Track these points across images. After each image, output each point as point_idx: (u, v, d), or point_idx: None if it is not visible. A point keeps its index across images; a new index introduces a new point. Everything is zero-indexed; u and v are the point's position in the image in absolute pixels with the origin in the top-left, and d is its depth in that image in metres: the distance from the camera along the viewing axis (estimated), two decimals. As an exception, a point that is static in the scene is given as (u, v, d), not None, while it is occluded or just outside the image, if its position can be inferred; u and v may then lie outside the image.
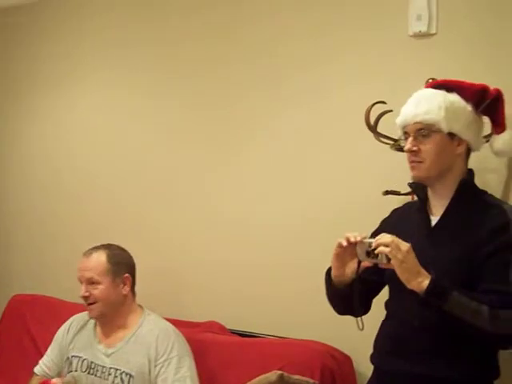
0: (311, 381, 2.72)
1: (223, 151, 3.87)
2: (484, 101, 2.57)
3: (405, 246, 2.33)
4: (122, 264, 3.25)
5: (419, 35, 3.20)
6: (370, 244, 2.39)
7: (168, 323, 3.24)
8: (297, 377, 2.68)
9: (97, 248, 3.28)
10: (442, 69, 3.05)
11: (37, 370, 3.42)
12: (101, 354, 3.19)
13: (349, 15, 3.44)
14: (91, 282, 3.18)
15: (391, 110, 2.89)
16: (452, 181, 2.56)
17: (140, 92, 4.23)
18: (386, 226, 2.77)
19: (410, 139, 2.53)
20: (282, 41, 3.65)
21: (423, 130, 2.50)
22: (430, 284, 2.30)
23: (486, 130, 2.74)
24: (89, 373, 3.19)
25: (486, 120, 2.70)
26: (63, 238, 4.58)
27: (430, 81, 2.88)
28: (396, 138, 2.88)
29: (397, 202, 3.01)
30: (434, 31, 3.18)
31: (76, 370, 3.25)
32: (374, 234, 2.77)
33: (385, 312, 2.70)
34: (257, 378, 2.63)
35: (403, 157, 2.60)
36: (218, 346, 3.44)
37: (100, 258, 3.22)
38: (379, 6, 3.34)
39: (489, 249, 2.40)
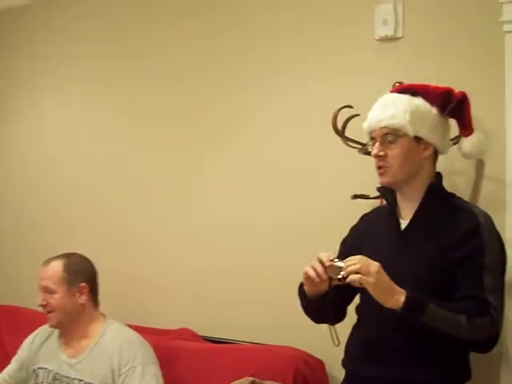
0: (283, 387, 2.71)
1: (198, 157, 3.87)
2: (449, 104, 2.58)
3: (374, 266, 2.32)
4: (78, 273, 3.22)
5: (385, 39, 3.22)
6: (340, 269, 2.36)
7: (132, 331, 3.22)
8: (269, 382, 2.68)
9: (57, 257, 3.27)
10: (408, 72, 3.06)
11: (0, 377, 3.39)
12: (65, 364, 3.16)
13: (315, 19, 3.45)
14: (47, 291, 3.17)
15: (358, 114, 2.91)
16: (420, 184, 2.57)
17: (118, 94, 4.21)
18: (355, 233, 2.80)
19: (377, 144, 2.54)
20: (254, 44, 3.67)
21: (389, 135, 2.51)
22: (406, 300, 2.31)
23: (454, 133, 2.77)
24: None
25: (453, 122, 2.72)
26: (39, 243, 4.51)
27: (397, 84, 2.90)
28: (364, 142, 2.90)
29: (366, 205, 3.03)
30: (400, 35, 3.20)
31: (42, 382, 3.21)
32: (344, 242, 2.79)
33: (355, 317, 2.72)
34: (229, 385, 2.62)
35: (372, 160, 2.60)
36: (189, 353, 3.43)
37: (57, 267, 3.20)
38: (345, 10, 3.36)
39: (461, 253, 2.41)
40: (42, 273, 3.24)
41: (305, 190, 3.47)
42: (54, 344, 3.28)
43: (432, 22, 3.13)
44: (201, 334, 3.70)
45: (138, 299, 4.02)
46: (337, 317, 2.71)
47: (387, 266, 2.36)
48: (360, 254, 2.38)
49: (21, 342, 3.46)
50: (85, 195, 4.33)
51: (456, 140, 2.81)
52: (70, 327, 3.20)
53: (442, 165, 2.88)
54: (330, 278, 2.42)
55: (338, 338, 2.51)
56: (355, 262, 2.32)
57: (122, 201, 4.14)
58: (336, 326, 2.63)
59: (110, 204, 4.20)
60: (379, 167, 2.56)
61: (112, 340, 3.12)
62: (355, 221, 2.85)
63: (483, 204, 2.94)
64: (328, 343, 2.76)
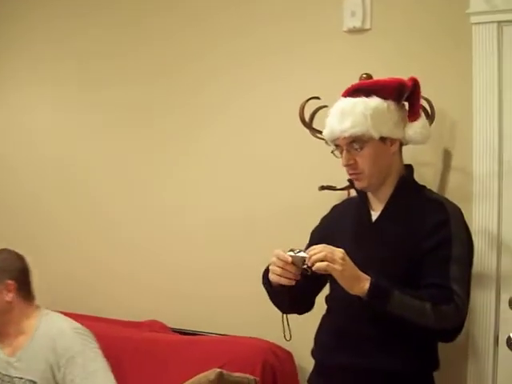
0: (252, 377, 2.70)
1: (168, 149, 3.85)
2: (404, 93, 2.58)
3: (339, 253, 2.32)
4: (5, 271, 3.10)
5: (353, 31, 3.23)
6: (303, 259, 2.35)
7: (67, 321, 3.11)
8: (237, 374, 2.66)
9: None
10: (375, 64, 3.08)
11: None
12: (4, 363, 3.06)
13: (282, 10, 3.45)
14: None
15: (326, 106, 2.90)
16: (392, 179, 2.59)
17: (95, 87, 4.12)
18: (326, 224, 2.80)
19: (345, 153, 2.54)
20: (224, 37, 3.65)
21: (355, 143, 2.51)
22: (370, 286, 2.31)
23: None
24: None
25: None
26: (18, 235, 4.33)
27: (364, 76, 2.90)
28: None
29: (335, 196, 3.03)
30: (368, 27, 3.21)
31: None
32: (314, 233, 2.79)
33: (325, 307, 2.72)
34: (196, 377, 2.60)
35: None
36: (158, 345, 3.41)
37: None
38: (314, 1, 3.36)
39: (430, 244, 2.42)
40: None
41: (274, 182, 3.47)
42: None
43: (400, 14, 3.14)
44: (170, 325, 3.70)
45: (107, 291, 3.99)
46: (305, 306, 2.74)
47: (355, 254, 2.36)
48: (330, 244, 2.38)
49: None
50: (63, 184, 4.25)
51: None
52: (2, 325, 3.09)
53: (409, 156, 2.90)
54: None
55: (290, 333, 2.51)
56: (319, 250, 2.32)
57: (98, 191, 4.09)
58: (306, 315, 2.69)
59: (86, 194, 4.14)
60: (351, 174, 2.57)
61: (46, 333, 3.02)
62: (324, 212, 2.86)
63: (450, 195, 2.96)
64: (297, 335, 2.78)
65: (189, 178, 3.76)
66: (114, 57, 4.01)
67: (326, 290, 2.71)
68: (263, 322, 3.34)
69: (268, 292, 2.63)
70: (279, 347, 3.29)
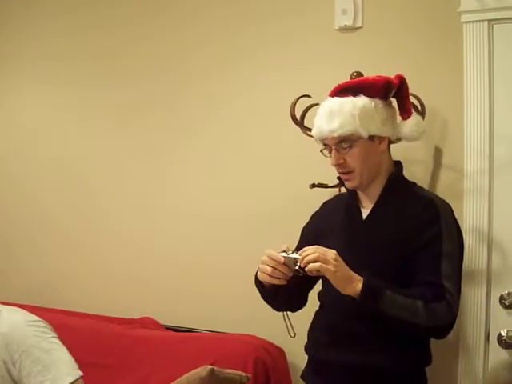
0: (243, 374, 2.69)
1: (165, 147, 3.85)
2: (390, 91, 2.58)
3: (331, 254, 2.33)
4: None
5: (345, 29, 3.24)
6: (295, 260, 2.36)
7: (18, 313, 2.91)
8: (228, 371, 2.66)
9: None
10: (367, 62, 3.09)
11: None
12: None
13: (273, 9, 3.46)
14: None
15: (317, 104, 2.90)
16: (381, 177, 2.60)
17: (93, 84, 4.11)
18: (316, 220, 2.81)
19: (334, 153, 2.54)
20: (216, 34, 3.65)
21: (344, 143, 2.52)
22: (363, 287, 2.33)
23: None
24: None
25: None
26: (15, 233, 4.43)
27: (355, 74, 2.91)
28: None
29: (327, 193, 3.04)
30: (359, 25, 3.22)
31: None
32: (305, 229, 2.80)
33: (318, 303, 2.73)
34: (187, 374, 2.59)
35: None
36: (151, 342, 3.42)
37: None
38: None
39: (420, 241, 2.44)
40: None
41: (267, 180, 3.49)
42: None
43: (391, 13, 3.15)
44: (163, 322, 3.71)
45: (101, 289, 4.00)
46: (297, 304, 2.75)
47: (347, 254, 2.38)
48: (320, 241, 2.39)
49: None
50: (62, 184, 4.24)
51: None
52: None
53: (400, 153, 2.91)
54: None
55: (293, 330, 2.54)
56: (312, 251, 2.33)
57: (96, 191, 4.09)
58: (299, 312, 2.71)
59: (85, 194, 4.14)
60: (342, 173, 2.58)
61: None
62: (316, 209, 2.87)
63: (441, 192, 2.99)
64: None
65: (184, 177, 3.77)
66: (112, 57, 4.01)
67: (318, 286, 2.72)
68: (255, 319, 3.36)
69: (260, 292, 2.65)
70: (271, 344, 3.31)
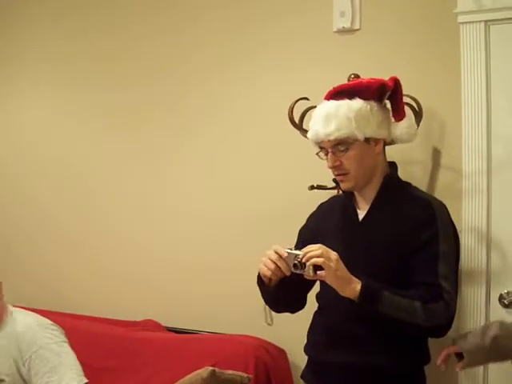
0: (245, 375, 2.71)
1: (165, 148, 3.87)
2: (385, 94, 2.60)
3: (334, 254, 2.36)
4: None
5: (343, 31, 3.26)
6: (296, 256, 2.38)
7: (31, 316, 3.03)
8: (230, 372, 2.68)
9: None
10: (365, 64, 3.11)
11: None
12: None
13: (273, 11, 3.48)
14: None
15: (315, 106, 2.92)
16: (377, 178, 2.61)
17: (95, 86, 4.12)
18: (313, 222, 2.83)
19: (330, 155, 2.56)
20: (216, 35, 3.67)
21: (340, 145, 2.53)
22: (361, 288, 2.35)
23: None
24: None
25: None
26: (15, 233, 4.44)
27: (352, 77, 2.93)
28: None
29: (326, 195, 3.05)
30: (357, 27, 3.24)
31: None
32: (302, 230, 2.82)
33: (316, 304, 2.74)
34: (189, 375, 2.62)
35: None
36: (153, 344, 3.44)
37: None
38: (304, 2, 3.38)
39: (417, 241, 2.46)
40: None
41: (267, 182, 3.50)
42: None
43: (389, 14, 3.17)
44: (165, 324, 3.72)
45: (104, 291, 4.02)
46: (297, 305, 2.76)
47: (344, 255, 2.39)
48: (317, 242, 2.41)
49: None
50: (62, 185, 4.25)
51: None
52: None
53: (399, 154, 2.93)
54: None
55: (271, 318, 2.58)
56: (316, 248, 2.35)
57: (96, 192, 4.11)
58: (299, 313, 2.74)
59: (85, 194, 4.16)
60: (338, 175, 2.60)
61: (11, 330, 2.95)
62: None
63: (440, 193, 3.01)
64: (290, 333, 2.83)
65: (184, 178, 3.79)
66: (112, 59, 4.04)
67: (316, 288, 2.73)
68: (257, 320, 3.35)
69: (261, 291, 2.66)
70: (273, 345, 3.34)
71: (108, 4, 4.06)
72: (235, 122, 3.61)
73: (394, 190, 2.61)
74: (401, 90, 2.63)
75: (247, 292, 2.80)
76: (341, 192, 2.78)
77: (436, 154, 3.07)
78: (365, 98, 2.53)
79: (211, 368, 2.58)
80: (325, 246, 2.37)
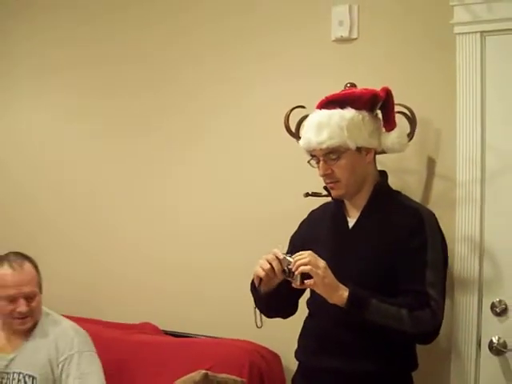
0: (238, 379, 2.75)
1: (164, 155, 3.90)
2: (377, 104, 2.64)
3: (321, 262, 2.40)
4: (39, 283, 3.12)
5: (341, 40, 3.29)
6: (288, 262, 2.44)
7: (67, 321, 3.17)
8: (223, 375, 2.71)
9: (22, 258, 3.10)
10: (362, 73, 3.14)
11: None
12: (3, 360, 3.07)
13: (272, 21, 3.51)
14: (31, 296, 3.03)
15: (312, 114, 2.96)
16: (367, 186, 2.65)
17: (94, 92, 4.16)
18: (303, 229, 2.87)
19: (322, 164, 2.60)
20: (216, 44, 3.70)
21: (332, 154, 2.57)
22: (349, 296, 2.39)
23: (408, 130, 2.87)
24: None
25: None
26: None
27: (348, 85, 2.95)
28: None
29: (322, 201, 3.08)
30: (355, 36, 3.26)
31: None
32: (293, 238, 2.86)
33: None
34: (182, 378, 2.66)
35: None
36: (149, 347, 3.47)
37: (31, 269, 3.08)
38: (304, 11, 3.41)
39: (405, 250, 2.50)
40: (18, 277, 3.02)
41: (264, 188, 3.53)
42: None
43: (386, 24, 3.19)
44: (163, 328, 3.75)
45: (102, 293, 4.06)
46: (288, 310, 2.80)
47: (333, 264, 2.44)
48: (308, 249, 2.45)
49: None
50: (62, 188, 4.29)
51: (408, 138, 2.88)
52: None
53: (394, 163, 2.96)
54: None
55: (261, 320, 2.63)
56: (305, 255, 2.40)
57: (96, 195, 4.14)
58: (294, 317, 2.79)
59: (85, 197, 4.19)
60: (329, 183, 2.64)
61: (48, 331, 3.08)
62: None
63: (434, 201, 3.04)
64: (284, 337, 2.85)
65: (183, 182, 3.82)
66: (112, 65, 4.07)
67: (307, 294, 2.77)
68: (253, 325, 3.37)
69: (254, 297, 2.71)
70: (267, 349, 3.36)
71: (108, 10, 4.10)
72: (234, 130, 3.63)
73: (383, 198, 2.64)
74: (392, 101, 2.67)
75: (244, 297, 2.81)
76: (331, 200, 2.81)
77: (431, 163, 3.09)
78: (357, 107, 2.58)
79: (204, 371, 2.62)
80: (314, 253, 2.41)
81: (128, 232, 4.01)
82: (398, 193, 2.74)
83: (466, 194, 2.99)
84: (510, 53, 2.95)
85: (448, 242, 2.80)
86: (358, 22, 3.26)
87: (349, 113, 2.56)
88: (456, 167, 3.01)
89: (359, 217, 2.64)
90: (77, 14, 4.21)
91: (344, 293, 2.40)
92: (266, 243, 2.87)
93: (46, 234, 4.28)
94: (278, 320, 2.82)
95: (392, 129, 2.69)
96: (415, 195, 3.03)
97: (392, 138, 2.68)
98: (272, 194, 3.49)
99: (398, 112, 2.86)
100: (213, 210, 3.71)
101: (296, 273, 2.40)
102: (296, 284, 2.42)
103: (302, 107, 3.02)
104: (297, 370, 2.80)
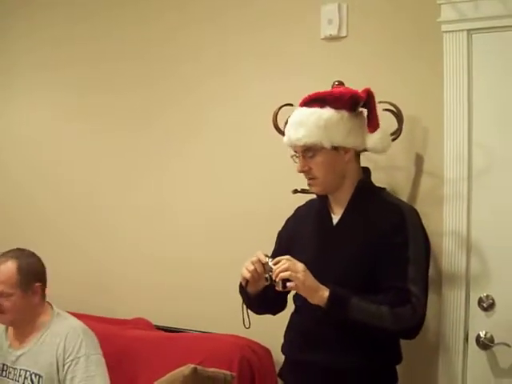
0: (228, 373, 2.77)
1: (158, 152, 3.94)
2: (357, 104, 2.67)
3: (300, 265, 2.45)
4: (33, 274, 3.13)
5: (330, 38, 3.31)
6: (270, 269, 2.51)
7: (77, 321, 3.19)
8: (212, 370, 2.73)
9: (7, 256, 3.13)
10: (350, 71, 3.16)
11: None
12: (11, 356, 3.14)
13: (261, 19, 3.54)
14: (2, 295, 3.05)
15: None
16: (349, 184, 2.69)
17: (90, 90, 4.21)
18: (289, 225, 2.91)
19: (300, 160, 2.65)
20: (206, 43, 3.73)
21: (308, 151, 2.62)
22: (329, 296, 2.44)
23: (393, 127, 2.91)
24: (2, 375, 3.16)
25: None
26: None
27: (336, 84, 2.98)
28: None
29: (309, 199, 3.11)
30: (344, 34, 3.29)
31: None
32: (280, 234, 2.89)
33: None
34: (171, 372, 2.68)
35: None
36: (141, 342, 3.51)
37: (11, 269, 3.07)
38: (293, 9, 3.44)
39: (387, 246, 2.53)
40: None
41: (254, 185, 3.57)
42: (1, 336, 3.24)
43: (375, 23, 3.21)
44: (156, 323, 3.79)
45: (94, 291, 4.10)
46: (276, 307, 2.85)
47: (318, 259, 2.49)
48: (293, 245, 2.50)
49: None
50: (61, 187, 4.33)
51: (395, 135, 2.91)
52: (21, 324, 3.15)
53: (382, 160, 2.99)
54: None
55: (249, 321, 2.68)
56: (283, 262, 2.45)
57: (94, 193, 4.18)
58: (284, 313, 2.83)
59: (83, 195, 4.23)
60: (308, 179, 2.69)
61: (58, 331, 3.11)
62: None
63: (422, 198, 3.07)
64: (275, 332, 2.88)
65: (180, 177, 3.85)
66: (110, 61, 4.11)
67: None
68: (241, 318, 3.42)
69: (242, 297, 2.76)
70: (257, 344, 3.39)
71: (106, 7, 4.13)
72: (225, 128, 3.67)
73: (366, 195, 2.68)
74: (374, 102, 2.70)
75: (235, 292, 2.84)
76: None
77: (419, 160, 3.11)
78: (336, 107, 2.60)
79: (193, 365, 2.63)
80: (291, 258, 2.47)
81: (124, 230, 4.05)
82: (381, 189, 2.77)
83: (453, 190, 3.02)
84: (496, 51, 2.97)
85: (435, 237, 2.85)
86: (346, 21, 3.28)
87: (327, 112, 2.60)
88: (443, 164, 3.04)
89: (343, 214, 2.67)
90: (75, 12, 4.24)
91: (324, 293, 2.44)
92: (260, 239, 2.93)
93: (45, 233, 4.32)
94: (269, 315, 2.86)
95: (375, 129, 2.71)
96: (403, 192, 3.07)
97: (374, 139, 2.71)
98: (271, 189, 3.50)
99: (386, 110, 2.89)
100: (209, 204, 3.74)
101: (277, 279, 2.45)
102: (279, 288, 2.48)
103: (290, 105, 3.04)
104: (283, 364, 2.84)
